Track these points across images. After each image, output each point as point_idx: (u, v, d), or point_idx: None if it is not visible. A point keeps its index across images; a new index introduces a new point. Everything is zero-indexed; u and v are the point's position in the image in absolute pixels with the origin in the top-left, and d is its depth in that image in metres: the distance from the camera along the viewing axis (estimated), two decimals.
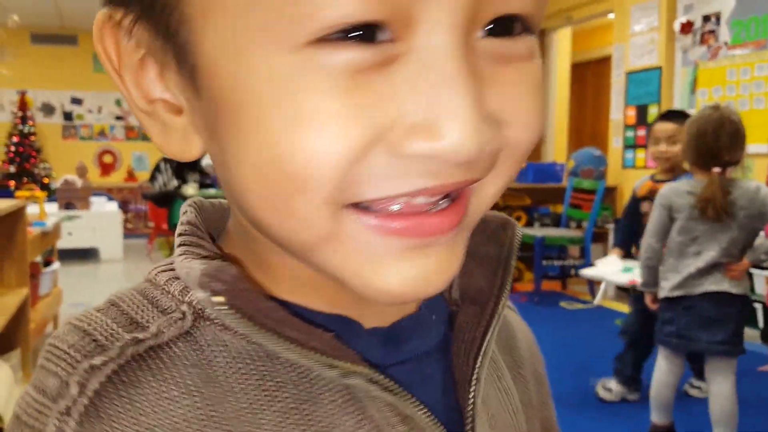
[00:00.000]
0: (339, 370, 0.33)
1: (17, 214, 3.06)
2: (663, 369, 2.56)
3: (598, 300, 5.16)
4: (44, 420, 0.31)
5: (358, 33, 0.27)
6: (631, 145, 5.61)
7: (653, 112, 5.34)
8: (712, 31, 4.86)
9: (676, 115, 3.06)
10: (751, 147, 3.75)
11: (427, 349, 0.40)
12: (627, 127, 5.64)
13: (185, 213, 0.40)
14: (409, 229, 0.30)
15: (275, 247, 0.35)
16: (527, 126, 0.32)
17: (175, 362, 0.33)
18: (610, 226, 5.28)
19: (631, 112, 5.58)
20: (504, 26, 0.30)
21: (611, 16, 5.91)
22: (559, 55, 7.05)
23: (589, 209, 5.44)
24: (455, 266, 0.33)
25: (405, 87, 0.28)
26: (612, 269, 3.36)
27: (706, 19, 4.89)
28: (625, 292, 5.39)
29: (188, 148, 0.35)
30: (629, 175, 5.66)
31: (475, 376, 0.39)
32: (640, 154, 5.51)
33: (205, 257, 0.36)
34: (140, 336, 0.33)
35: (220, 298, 0.32)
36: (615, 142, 5.82)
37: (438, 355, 0.40)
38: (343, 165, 0.28)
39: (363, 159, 0.29)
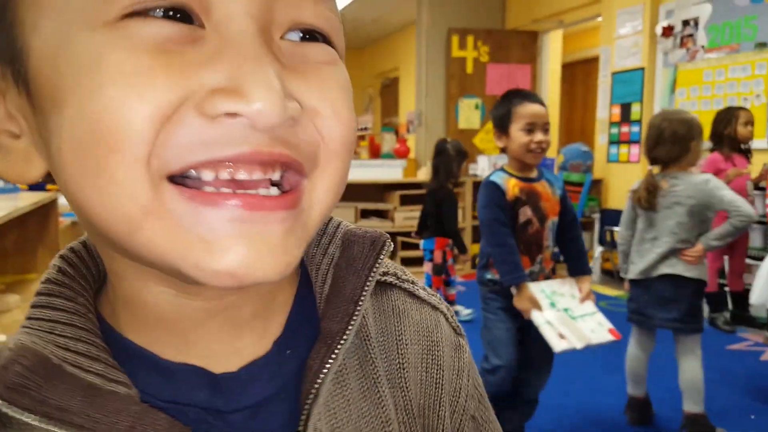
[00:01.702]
0: None
1: (49, 206, 3.29)
2: (632, 343, 2.84)
3: None
4: None
5: (169, 13, 0.30)
6: (615, 141, 5.87)
7: (636, 110, 5.62)
8: (690, 35, 5.08)
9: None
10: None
11: (273, 391, 0.40)
12: (612, 124, 5.88)
13: (49, 270, 0.40)
14: (237, 198, 0.30)
15: (127, 274, 0.36)
16: (336, 117, 0.34)
17: None
18: (596, 216, 5.59)
19: (616, 110, 5.81)
20: (304, 37, 0.35)
21: (600, 19, 6.14)
22: (551, 57, 7.27)
23: (577, 200, 5.75)
24: (285, 260, 0.32)
25: (211, 58, 0.30)
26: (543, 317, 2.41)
27: (686, 23, 5.11)
28: (609, 276, 5.70)
29: (28, 169, 0.35)
30: (613, 168, 5.94)
31: (303, 417, 0.39)
32: (623, 149, 5.79)
33: (48, 321, 0.37)
34: None
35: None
36: (601, 139, 6.05)
37: (289, 391, 0.40)
38: (153, 120, 0.29)
39: (174, 118, 0.29)
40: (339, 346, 0.40)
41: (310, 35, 0.35)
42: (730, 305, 4.31)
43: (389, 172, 6.02)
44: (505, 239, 2.25)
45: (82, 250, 0.42)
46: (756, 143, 4.20)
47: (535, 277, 2.38)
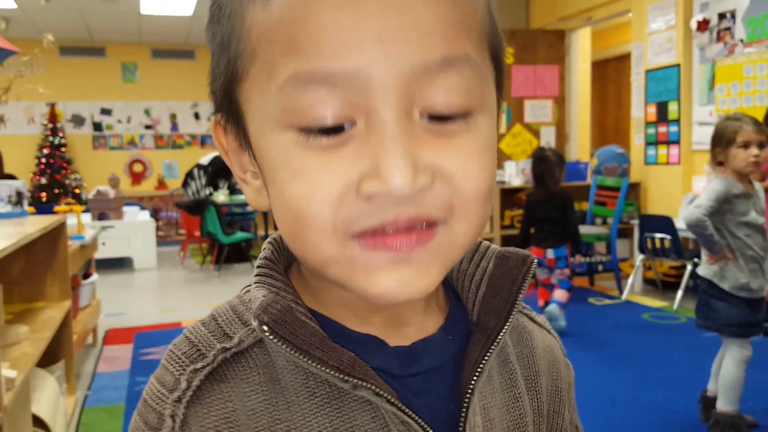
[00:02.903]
0: (350, 384, 0.44)
1: (58, 230, 3.17)
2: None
3: (625, 295, 5.20)
4: (162, 405, 0.45)
5: (332, 131, 0.40)
6: (652, 142, 5.62)
7: (673, 108, 5.35)
8: (728, 29, 4.85)
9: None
10: None
11: (439, 364, 0.50)
12: (648, 124, 5.64)
13: (264, 249, 0.53)
14: (383, 245, 0.41)
15: (318, 276, 0.48)
16: (467, 178, 0.42)
17: (251, 364, 0.46)
18: (635, 222, 5.29)
19: (652, 110, 5.58)
20: (443, 117, 0.42)
21: (630, 15, 5.90)
22: (580, 55, 7.03)
23: (614, 206, 5.48)
24: (425, 283, 0.42)
25: (361, 151, 0.40)
26: None
27: (722, 16, 4.89)
28: (652, 285, 5.42)
29: (263, 201, 0.48)
30: (652, 171, 5.67)
31: (469, 391, 0.49)
32: (662, 150, 5.52)
33: (271, 286, 0.48)
34: (227, 345, 0.47)
35: (265, 327, 0.44)
36: (637, 140, 5.82)
37: (450, 369, 0.50)
38: (328, 205, 0.40)
39: (343, 201, 0.40)
40: (500, 336, 0.50)
41: (446, 116, 0.42)
42: None
43: None
44: None
45: (279, 238, 0.53)
46: None
47: None
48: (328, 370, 0.44)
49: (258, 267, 0.51)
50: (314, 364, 0.44)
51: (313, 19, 0.39)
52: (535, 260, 0.54)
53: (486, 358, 0.49)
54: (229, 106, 0.46)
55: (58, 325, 2.86)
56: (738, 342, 2.59)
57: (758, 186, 2.69)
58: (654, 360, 3.70)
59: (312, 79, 0.40)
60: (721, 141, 2.61)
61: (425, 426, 0.46)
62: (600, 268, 5.74)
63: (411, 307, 0.50)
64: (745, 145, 2.55)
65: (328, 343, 0.45)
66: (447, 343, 0.51)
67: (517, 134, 6.86)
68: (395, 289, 0.42)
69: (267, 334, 0.43)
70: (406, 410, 0.46)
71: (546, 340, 0.59)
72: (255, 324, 0.44)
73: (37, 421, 2.47)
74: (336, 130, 0.40)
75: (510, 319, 0.51)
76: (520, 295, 0.52)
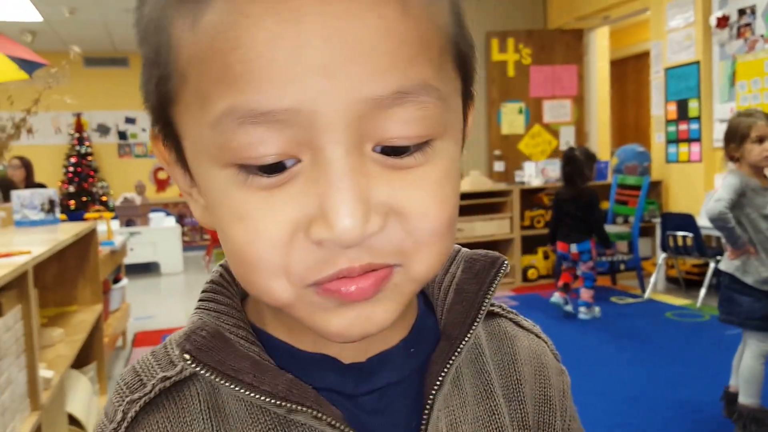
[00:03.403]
0: (284, 408, 0.42)
1: (89, 236, 3.25)
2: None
3: (648, 294, 5.19)
4: None
5: (273, 168, 0.37)
6: (673, 140, 5.60)
7: (694, 106, 5.33)
8: (748, 25, 4.82)
9: None
10: None
11: (398, 378, 0.47)
12: (668, 122, 5.62)
13: (213, 273, 0.50)
14: (338, 293, 0.38)
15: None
16: (425, 216, 0.39)
17: (192, 393, 0.45)
18: (657, 221, 5.28)
19: (672, 107, 5.56)
20: (398, 149, 0.38)
21: (648, 13, 5.88)
22: (598, 54, 7.02)
23: (635, 205, 5.48)
24: (382, 318, 0.40)
25: (307, 191, 0.37)
26: None
27: (742, 12, 4.86)
28: (674, 284, 5.41)
29: (213, 220, 0.44)
30: (673, 169, 5.65)
31: (428, 406, 0.46)
32: (683, 148, 5.50)
33: (212, 311, 0.47)
34: (168, 374, 0.45)
35: (186, 356, 0.42)
36: (657, 138, 5.80)
37: (413, 383, 0.47)
38: (275, 248, 0.37)
39: (292, 244, 0.37)
40: (462, 344, 0.47)
41: (402, 149, 0.39)
42: None
43: None
44: None
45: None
46: None
47: None
48: (257, 396, 0.42)
49: (202, 292, 0.49)
50: (242, 391, 0.42)
51: (247, 48, 0.35)
52: (506, 262, 0.51)
53: (445, 369, 0.47)
54: (165, 126, 0.43)
55: (90, 328, 2.94)
56: (758, 335, 2.60)
57: None
58: (677, 358, 3.70)
59: (248, 117, 0.36)
60: (735, 137, 2.64)
61: None
62: (622, 267, 5.73)
63: None
64: (760, 140, 2.58)
65: (263, 367, 0.43)
66: (408, 356, 0.48)
67: (536, 134, 6.87)
68: (351, 327, 0.40)
69: (189, 362, 0.42)
70: None
71: (532, 345, 0.55)
72: (176, 352, 0.42)
73: (72, 420, 2.55)
74: (278, 168, 0.37)
75: (474, 326, 0.48)
76: (486, 300, 0.49)
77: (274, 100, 0.35)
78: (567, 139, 6.82)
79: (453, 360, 0.47)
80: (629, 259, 5.53)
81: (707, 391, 3.02)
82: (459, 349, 0.47)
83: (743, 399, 2.63)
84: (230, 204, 0.39)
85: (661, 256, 5.23)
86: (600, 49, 7.08)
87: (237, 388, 0.42)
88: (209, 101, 0.37)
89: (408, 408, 0.47)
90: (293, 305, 0.40)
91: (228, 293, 0.49)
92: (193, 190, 0.45)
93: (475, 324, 0.48)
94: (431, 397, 0.46)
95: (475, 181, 5.94)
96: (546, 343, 0.57)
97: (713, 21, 5.04)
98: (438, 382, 0.46)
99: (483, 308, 0.48)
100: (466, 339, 0.47)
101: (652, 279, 5.26)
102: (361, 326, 0.40)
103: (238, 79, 0.36)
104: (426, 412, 0.46)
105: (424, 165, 0.39)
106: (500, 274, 0.50)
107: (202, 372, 0.42)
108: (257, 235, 0.38)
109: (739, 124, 2.65)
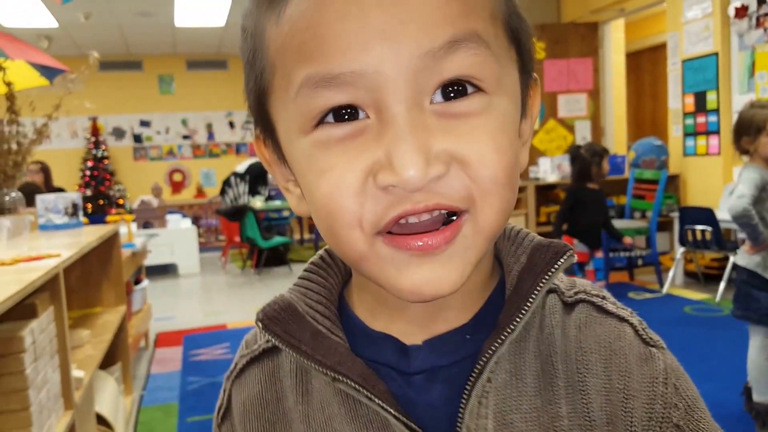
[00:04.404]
0: (329, 376, 0.48)
1: (112, 238, 3.28)
2: None
3: (666, 288, 5.16)
4: (227, 377, 0.58)
5: (345, 116, 0.42)
6: (691, 133, 5.56)
7: (712, 98, 5.29)
8: (767, 14, 4.79)
9: None
10: None
11: (447, 362, 0.49)
12: (686, 115, 5.59)
13: (316, 255, 0.58)
14: (407, 246, 0.42)
15: (357, 280, 0.54)
16: (483, 163, 0.42)
17: (288, 358, 0.54)
18: (675, 215, 5.24)
19: (690, 100, 5.52)
20: (456, 91, 0.42)
21: (665, 4, 5.84)
22: (614, 47, 6.98)
23: (653, 199, 5.44)
24: (453, 278, 0.43)
25: (374, 142, 0.41)
26: None
27: (761, 2, 4.81)
28: (693, 278, 5.37)
29: (305, 208, 0.50)
30: (691, 162, 5.61)
31: (465, 392, 0.48)
32: (701, 141, 5.46)
33: (301, 286, 0.55)
34: (258, 343, 0.56)
35: (259, 324, 0.51)
36: (675, 131, 5.76)
37: (463, 368, 0.49)
38: (352, 199, 0.42)
39: (365, 193, 0.41)
40: (505, 335, 0.48)
41: (460, 87, 0.42)
42: None
43: None
44: None
45: None
46: None
47: None
48: (308, 362, 0.49)
49: (302, 271, 0.56)
50: (296, 355, 0.49)
51: (320, 26, 0.40)
52: (571, 251, 0.51)
53: (484, 359, 0.47)
54: (263, 121, 0.49)
55: (115, 329, 2.96)
56: (765, 331, 2.58)
57: None
58: (697, 353, 3.69)
59: (321, 82, 0.41)
60: (750, 129, 2.58)
61: (407, 422, 0.47)
62: (640, 262, 5.70)
63: (446, 303, 0.49)
64: None
65: (323, 339, 0.50)
66: (462, 341, 0.50)
67: (551, 130, 6.84)
68: (424, 285, 0.42)
69: (260, 328, 0.51)
70: (385, 406, 0.47)
71: (606, 331, 0.50)
72: (256, 323, 0.52)
73: (100, 420, 2.58)
74: (349, 116, 0.42)
75: (520, 316, 0.48)
76: (536, 292, 0.49)
77: (342, 65, 0.40)
78: (583, 134, 6.79)
79: (494, 350, 0.47)
80: (647, 254, 5.50)
81: (728, 386, 2.99)
82: (500, 339, 0.47)
83: (758, 397, 2.61)
84: (315, 165, 0.43)
85: (680, 251, 5.19)
86: (615, 42, 7.04)
87: (293, 353, 0.50)
88: (291, 79, 0.43)
89: (453, 392, 0.49)
90: (367, 258, 0.43)
91: (323, 273, 0.56)
92: (290, 184, 0.51)
93: (521, 314, 0.48)
94: (468, 384, 0.47)
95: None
96: (633, 325, 0.51)
97: (731, 11, 5.00)
98: (476, 369, 0.47)
99: (531, 299, 0.48)
100: (509, 330, 0.48)
101: (671, 274, 5.23)
102: (432, 285, 0.42)
103: (313, 53, 0.41)
104: (464, 398, 0.47)
105: (481, 115, 0.42)
106: (558, 265, 0.50)
107: (268, 336, 0.50)
108: (338, 185, 0.42)
109: (754, 115, 2.59)
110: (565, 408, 0.49)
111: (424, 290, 0.43)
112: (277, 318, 0.51)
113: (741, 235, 2.66)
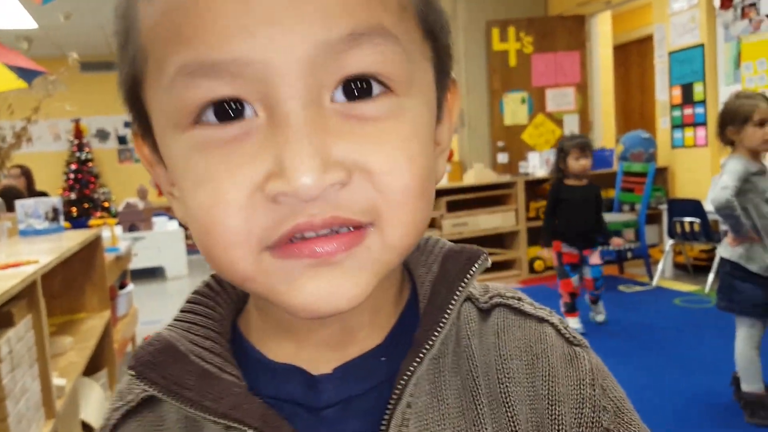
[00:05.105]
0: (220, 425, 0.41)
1: (94, 243, 3.24)
2: None
3: (656, 281, 5.16)
4: None
5: (230, 114, 0.36)
6: (678, 125, 5.56)
7: (699, 90, 5.29)
8: (752, 5, 4.77)
9: None
10: None
11: (362, 390, 0.44)
12: (673, 107, 5.58)
13: (201, 283, 0.50)
14: (299, 254, 0.37)
15: (256, 303, 0.46)
16: (391, 172, 0.37)
17: (171, 407, 0.45)
18: (664, 207, 5.24)
19: (677, 92, 5.52)
20: (360, 89, 0.37)
21: None
22: (601, 40, 6.97)
23: (641, 192, 5.44)
24: (353, 291, 0.37)
25: (264, 148, 0.35)
26: None
27: None
28: (682, 270, 5.37)
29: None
30: (679, 155, 5.61)
31: (383, 423, 0.42)
32: (689, 133, 5.46)
33: (182, 320, 0.47)
34: (135, 393, 0.48)
35: (132, 372, 0.43)
36: (663, 123, 5.76)
37: (380, 394, 0.44)
38: (235, 212, 0.36)
39: (254, 206, 0.36)
40: (423, 352, 0.43)
41: (365, 84, 0.37)
42: None
43: None
44: None
45: None
46: None
47: None
48: (195, 411, 0.41)
49: (185, 303, 0.49)
50: (179, 404, 0.42)
51: (196, 6, 0.35)
52: (484, 256, 0.47)
53: (402, 382, 0.43)
54: (138, 114, 0.43)
55: (100, 335, 2.93)
56: (750, 321, 2.60)
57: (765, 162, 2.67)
58: (687, 344, 3.71)
59: (198, 70, 0.35)
60: (736, 119, 2.58)
61: None
62: (629, 255, 5.69)
63: (355, 322, 0.44)
64: (761, 123, 2.53)
65: (211, 381, 0.42)
66: (376, 365, 0.44)
67: (540, 124, 6.83)
68: (318, 299, 0.37)
69: (134, 377, 0.43)
70: None
71: (526, 334, 0.47)
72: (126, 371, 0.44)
73: (86, 427, 2.53)
74: (235, 114, 0.36)
75: (437, 331, 0.44)
76: (453, 301, 0.45)
77: (223, 52, 0.35)
78: (571, 128, 6.78)
79: (412, 370, 0.42)
80: (636, 246, 5.51)
81: (718, 376, 3.01)
82: (418, 358, 0.43)
83: (746, 387, 2.64)
84: (192, 171, 0.38)
85: (669, 243, 5.19)
86: (602, 35, 7.03)
87: (177, 403, 0.42)
88: (164, 65, 0.37)
89: (370, 423, 0.43)
90: (254, 278, 0.38)
91: (211, 303, 0.49)
92: (174, 188, 0.44)
93: (438, 329, 0.43)
94: (387, 413, 0.43)
95: (479, 174, 5.92)
96: (554, 325, 0.48)
97: (717, 2, 4.99)
98: (395, 393, 0.42)
99: (449, 310, 0.44)
100: (427, 346, 0.43)
101: (660, 266, 5.23)
102: (328, 299, 0.37)
103: (188, 37, 0.35)
104: (382, 429, 0.42)
105: (390, 119, 0.38)
106: (473, 270, 0.46)
107: (144, 386, 0.43)
108: (218, 199, 0.36)
109: (741, 106, 2.59)
110: (490, 427, 0.44)
111: (319, 305, 0.37)
112: (153, 362, 0.43)
113: (724, 227, 2.62)
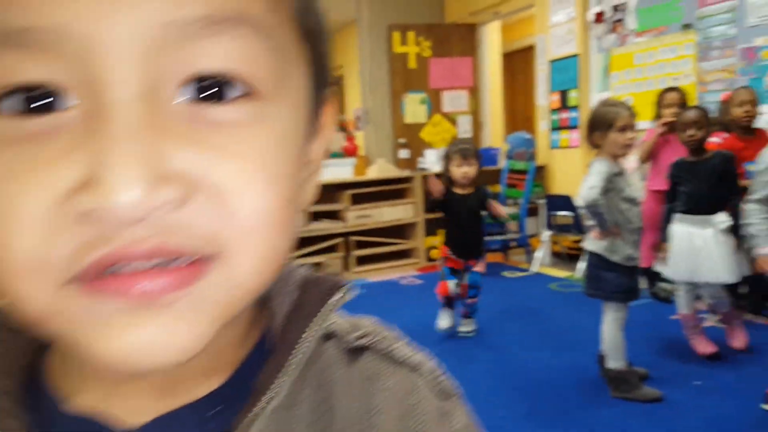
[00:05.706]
0: None
1: None
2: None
3: (535, 267, 5.67)
4: None
5: (40, 103, 0.28)
6: (556, 128, 6.03)
7: (573, 96, 5.79)
8: (620, 20, 5.26)
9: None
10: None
11: None
12: (552, 111, 6.04)
13: None
14: (112, 291, 0.28)
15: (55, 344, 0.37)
16: (243, 192, 0.30)
17: None
18: (542, 202, 5.76)
19: (556, 97, 5.97)
20: (216, 88, 0.30)
21: (534, 9, 6.29)
22: (490, 48, 7.43)
23: (523, 188, 5.93)
24: (186, 341, 0.30)
25: (79, 147, 0.27)
26: None
27: (616, 8, 5.28)
28: (558, 258, 5.88)
29: None
30: (556, 154, 6.11)
31: None
32: (564, 135, 5.95)
33: None
34: None
35: None
36: (542, 126, 6.21)
37: None
38: (30, 229, 0.28)
39: (52, 224, 0.28)
40: (265, 401, 0.35)
41: (223, 84, 0.30)
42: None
43: (339, 171, 6.01)
44: None
45: None
46: None
47: None
48: None
49: None
50: None
51: None
52: (348, 285, 0.40)
53: None
54: None
55: None
56: (616, 306, 2.86)
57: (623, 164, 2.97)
58: (561, 325, 4.02)
59: (2, 36, 0.27)
60: (601, 125, 2.80)
61: None
62: (512, 244, 6.20)
63: (181, 369, 0.32)
64: (623, 129, 2.76)
65: None
66: (205, 419, 0.36)
67: (437, 123, 7.22)
68: (138, 351, 0.29)
69: None
70: None
71: (398, 383, 0.42)
72: None
73: None
74: (46, 106, 0.28)
75: (277, 380, 0.36)
76: (305, 336, 0.37)
77: (34, 17, 0.27)
78: (465, 127, 7.20)
79: (249, 424, 0.35)
80: (518, 237, 6.02)
81: (587, 354, 3.20)
82: (257, 409, 0.35)
83: (612, 364, 2.87)
84: None
85: (546, 234, 5.73)
86: (492, 43, 7.49)
87: None
88: None
89: None
90: (51, 317, 0.29)
91: (7, 338, 0.38)
92: None
93: (278, 377, 0.36)
94: None
95: (382, 168, 6.25)
96: (424, 376, 0.43)
97: (591, 16, 5.44)
98: None
99: (294, 351, 0.37)
100: (265, 396, 0.36)
101: (539, 254, 5.73)
102: (151, 352, 0.29)
103: None
104: None
105: (248, 127, 0.31)
106: (332, 300, 0.39)
107: None
108: (9, 212, 0.28)
109: (606, 113, 2.82)
110: None
111: (137, 359, 0.29)
112: None
113: (590, 222, 2.91)
